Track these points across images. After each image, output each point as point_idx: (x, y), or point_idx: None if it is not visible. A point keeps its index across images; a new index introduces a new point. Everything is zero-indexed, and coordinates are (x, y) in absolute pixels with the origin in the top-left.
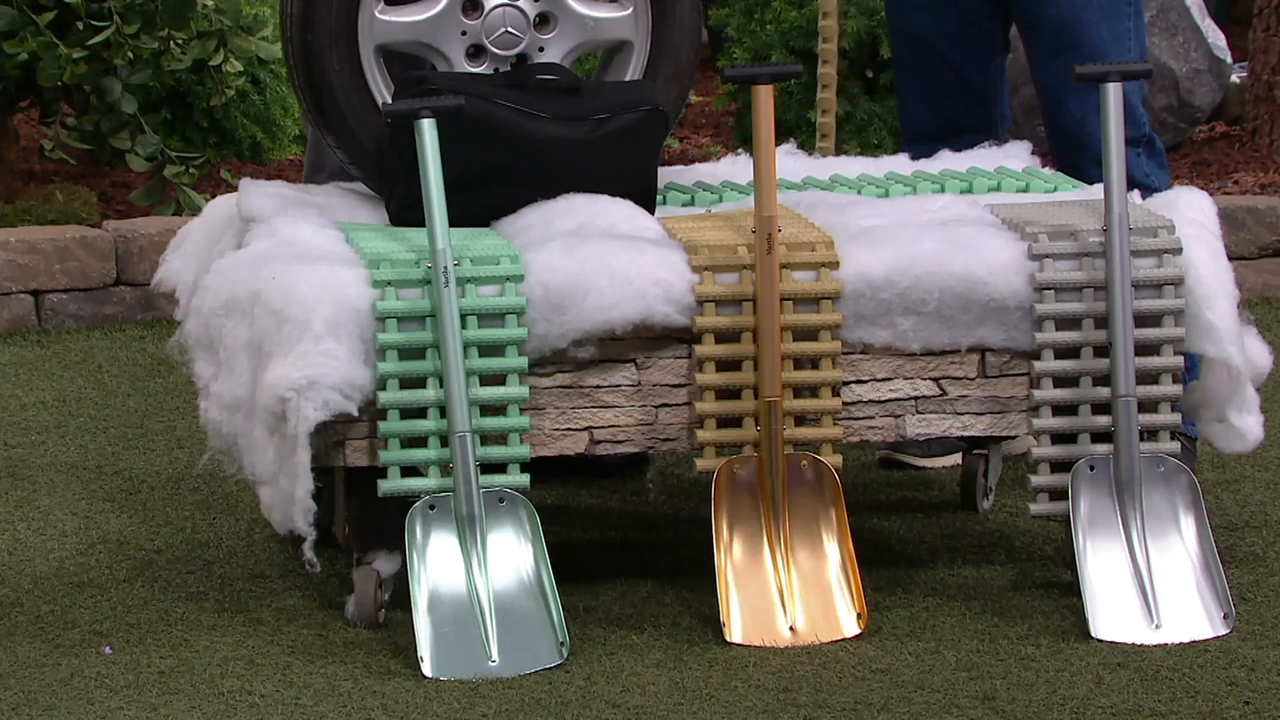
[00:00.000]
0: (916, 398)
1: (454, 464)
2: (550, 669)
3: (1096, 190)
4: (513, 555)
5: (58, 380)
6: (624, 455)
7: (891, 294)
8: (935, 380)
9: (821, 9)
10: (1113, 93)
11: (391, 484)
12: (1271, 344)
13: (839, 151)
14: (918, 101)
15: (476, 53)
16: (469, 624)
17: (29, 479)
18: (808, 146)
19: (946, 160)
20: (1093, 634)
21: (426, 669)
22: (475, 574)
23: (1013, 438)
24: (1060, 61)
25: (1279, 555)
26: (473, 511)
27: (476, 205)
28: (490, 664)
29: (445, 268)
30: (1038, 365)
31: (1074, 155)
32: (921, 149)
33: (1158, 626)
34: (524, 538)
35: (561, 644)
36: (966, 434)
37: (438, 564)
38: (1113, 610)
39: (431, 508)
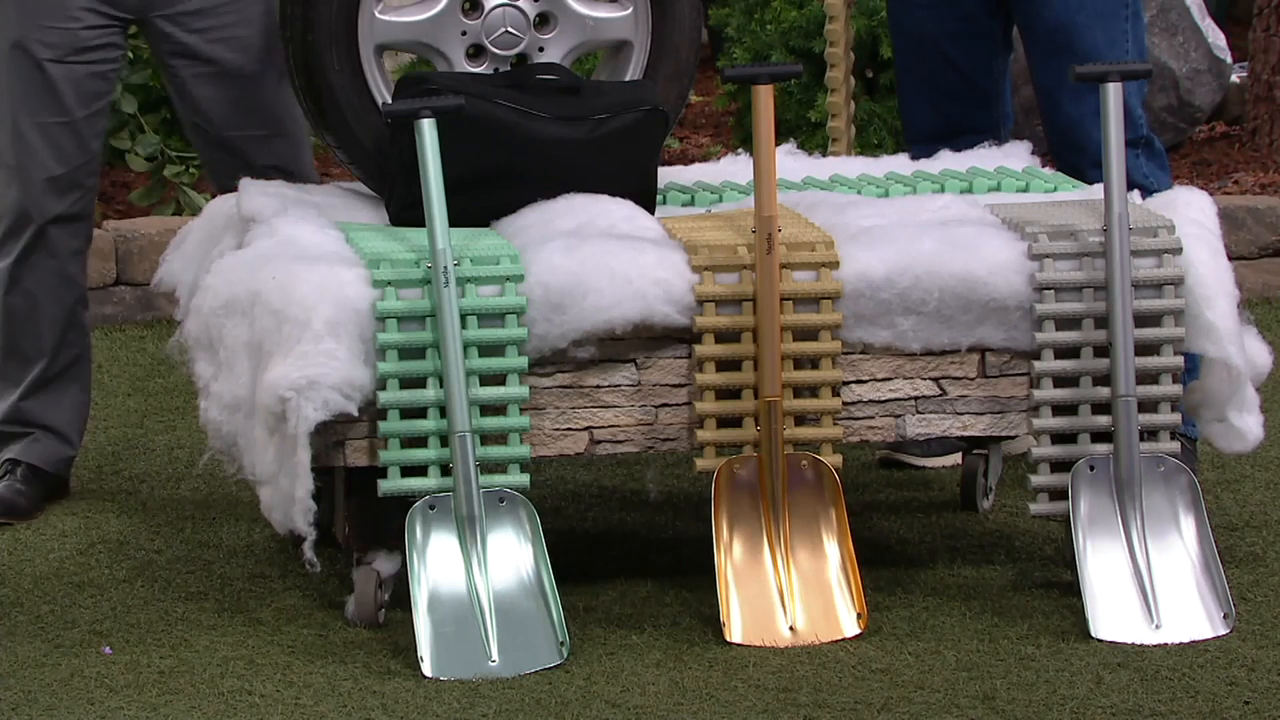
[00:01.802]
0: (916, 398)
1: (454, 464)
2: (550, 669)
3: (1096, 190)
4: (513, 555)
5: None
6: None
7: (891, 294)
8: (935, 380)
9: (828, 14)
10: (1112, 93)
11: (391, 484)
12: (1271, 344)
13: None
14: (920, 101)
15: (476, 53)
16: (469, 624)
17: None
18: (808, 146)
19: (946, 160)
20: (1093, 634)
21: (426, 669)
22: (475, 574)
23: (1013, 438)
24: (1056, 64)
25: (1279, 555)
26: (473, 511)
27: (476, 205)
28: (490, 664)
29: (445, 268)
30: (1038, 365)
31: (1073, 157)
32: (924, 149)
33: (1158, 626)
34: (524, 538)
35: (561, 644)
36: (966, 434)
37: (438, 564)
38: (1113, 610)
39: (431, 508)
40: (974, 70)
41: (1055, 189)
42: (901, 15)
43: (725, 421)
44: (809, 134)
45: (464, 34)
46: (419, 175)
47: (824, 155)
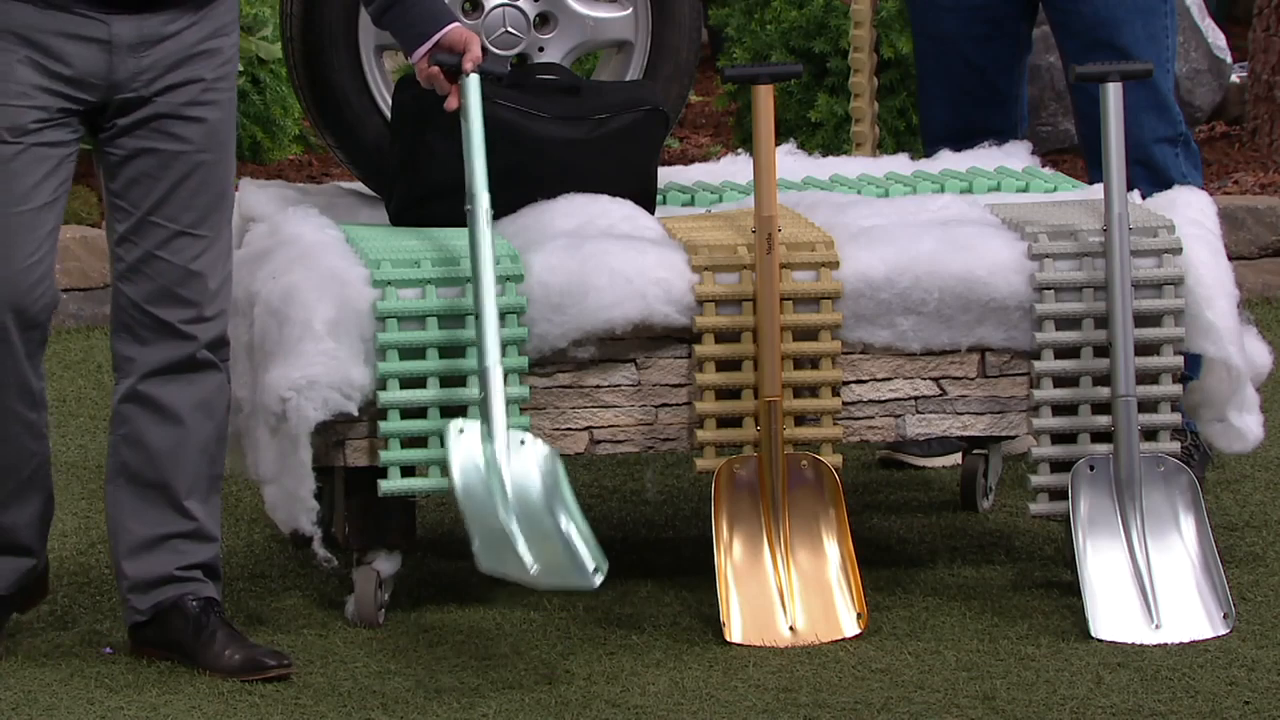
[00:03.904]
0: (916, 398)
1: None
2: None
3: (1096, 190)
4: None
5: (58, 380)
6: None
7: (891, 294)
8: (935, 380)
9: (854, 19)
10: (1113, 93)
11: (391, 484)
12: (1271, 344)
13: (839, 151)
14: (941, 105)
15: None
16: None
17: None
18: (808, 146)
19: (946, 160)
20: (1093, 634)
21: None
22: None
23: (1013, 438)
24: (1094, 59)
25: (1279, 555)
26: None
27: None
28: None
29: (484, 209)
30: (1038, 365)
31: None
32: (940, 150)
33: (1158, 626)
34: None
35: (595, 570)
36: (966, 434)
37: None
38: (1113, 610)
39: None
40: (996, 73)
41: (1055, 189)
42: (925, 18)
43: (725, 421)
44: (809, 134)
45: None
46: (419, 175)
47: (824, 155)
